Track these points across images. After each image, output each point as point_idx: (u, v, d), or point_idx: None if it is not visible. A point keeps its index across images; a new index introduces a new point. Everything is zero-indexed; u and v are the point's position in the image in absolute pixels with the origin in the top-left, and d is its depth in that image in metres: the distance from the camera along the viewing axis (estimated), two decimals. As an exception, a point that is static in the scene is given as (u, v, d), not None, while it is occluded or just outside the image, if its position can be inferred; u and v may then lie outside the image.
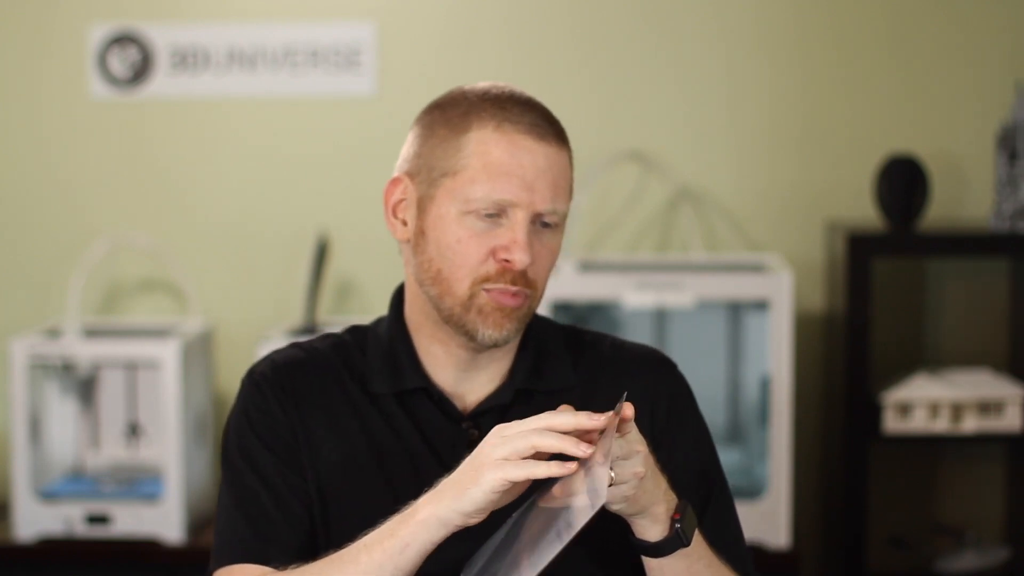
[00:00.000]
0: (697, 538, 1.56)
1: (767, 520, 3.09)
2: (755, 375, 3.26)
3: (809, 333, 3.44)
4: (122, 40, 3.51)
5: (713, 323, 3.32)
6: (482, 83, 1.70)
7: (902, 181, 3.22)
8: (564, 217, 1.65)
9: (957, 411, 3.18)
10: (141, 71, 3.51)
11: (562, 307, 3.17)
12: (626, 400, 1.46)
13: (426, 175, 1.65)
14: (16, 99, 3.54)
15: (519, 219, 1.61)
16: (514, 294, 1.62)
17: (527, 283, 1.62)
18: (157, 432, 3.33)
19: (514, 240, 1.60)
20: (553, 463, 1.41)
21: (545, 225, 1.63)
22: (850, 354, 3.14)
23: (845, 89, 3.46)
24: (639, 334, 3.27)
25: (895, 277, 3.44)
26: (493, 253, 1.61)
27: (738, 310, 3.31)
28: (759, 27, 3.45)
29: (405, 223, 1.68)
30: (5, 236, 3.56)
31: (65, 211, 3.55)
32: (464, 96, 1.67)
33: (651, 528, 1.51)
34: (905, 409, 3.18)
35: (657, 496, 1.50)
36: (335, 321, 3.37)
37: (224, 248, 3.54)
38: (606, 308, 3.27)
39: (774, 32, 3.45)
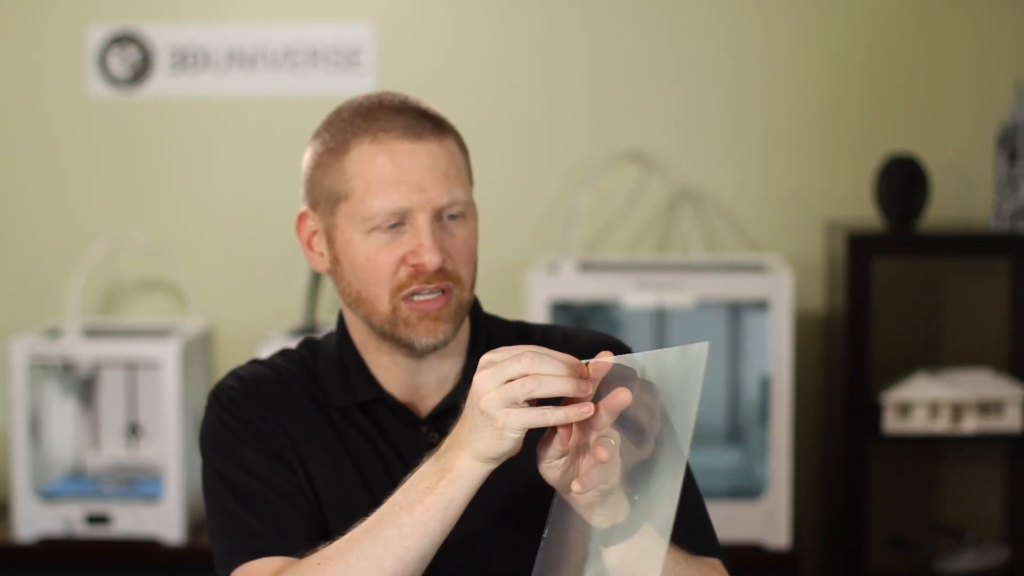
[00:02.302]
0: None
1: (767, 520, 3.09)
2: (755, 375, 3.26)
3: (809, 333, 3.44)
4: (122, 40, 3.51)
5: (713, 323, 3.32)
6: (359, 96, 1.69)
7: (902, 181, 3.23)
8: (469, 204, 1.66)
9: (957, 411, 3.18)
10: (141, 71, 3.51)
11: (562, 307, 3.17)
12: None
13: (324, 205, 1.66)
14: (16, 99, 3.54)
15: (420, 222, 1.61)
16: (435, 297, 1.62)
17: (447, 278, 1.63)
18: (157, 432, 3.33)
19: (419, 244, 1.61)
20: (571, 409, 1.39)
21: (452, 217, 1.64)
22: (850, 354, 3.14)
23: (845, 89, 3.46)
24: (639, 334, 3.27)
25: (895, 277, 3.44)
26: (403, 260, 1.62)
27: (738, 310, 3.31)
28: (759, 27, 3.45)
29: (322, 254, 1.70)
30: (5, 236, 3.56)
31: (65, 211, 3.55)
32: (339, 117, 1.67)
33: (610, 516, 1.51)
34: (905, 409, 3.18)
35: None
36: (335, 321, 3.37)
37: (224, 248, 3.54)
38: (606, 308, 3.27)
39: (774, 32, 3.45)
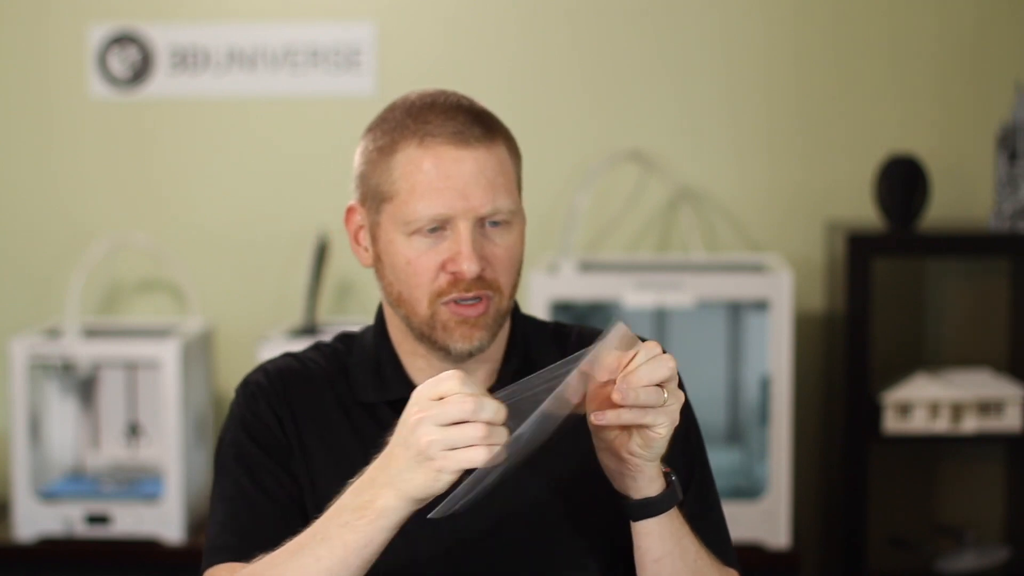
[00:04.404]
0: (678, 510, 1.57)
1: (767, 520, 3.09)
2: (755, 375, 3.26)
3: (809, 333, 3.44)
4: (122, 40, 3.51)
5: (713, 323, 3.32)
6: (413, 93, 1.68)
7: (902, 181, 3.23)
8: (514, 212, 1.65)
9: (957, 411, 3.18)
10: (141, 71, 3.51)
11: (562, 307, 3.17)
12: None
13: (371, 202, 1.66)
14: (16, 99, 3.54)
15: (460, 229, 1.60)
16: (473, 304, 1.62)
17: (486, 286, 1.62)
18: (157, 432, 3.33)
19: (458, 251, 1.60)
20: (494, 446, 1.39)
21: (495, 224, 1.63)
22: (850, 354, 3.14)
23: (845, 89, 3.46)
24: (639, 334, 3.27)
25: (895, 277, 3.44)
26: (443, 266, 1.62)
27: (738, 310, 3.31)
28: (759, 27, 3.45)
29: (367, 250, 1.70)
30: (5, 236, 3.56)
31: (65, 211, 3.55)
32: (392, 114, 1.66)
33: (652, 483, 1.52)
34: (905, 409, 3.18)
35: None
36: (335, 321, 3.37)
37: (224, 248, 3.54)
38: (606, 308, 3.27)
39: (774, 32, 3.45)
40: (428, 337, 1.64)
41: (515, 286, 1.67)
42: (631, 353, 1.47)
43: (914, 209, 3.22)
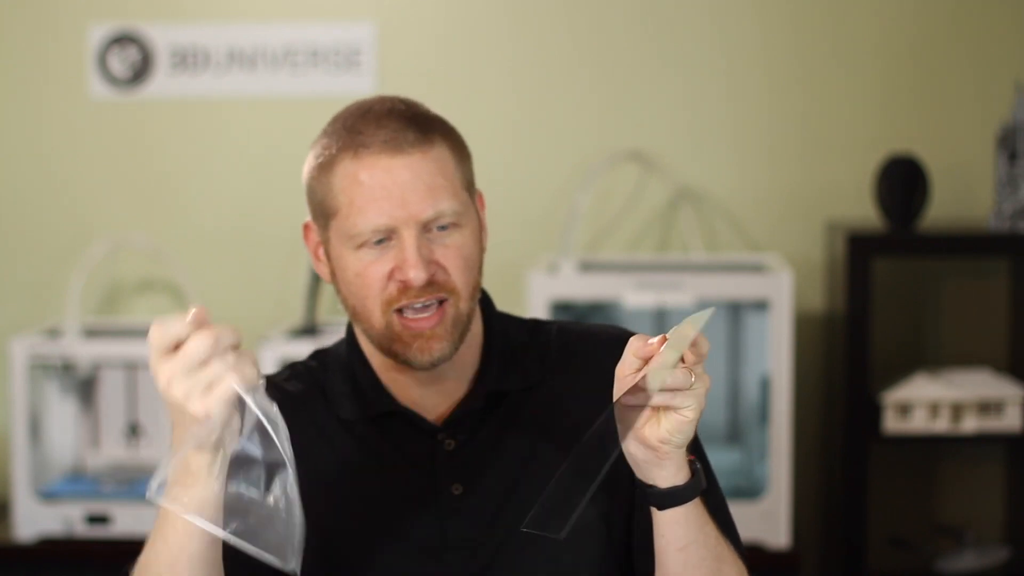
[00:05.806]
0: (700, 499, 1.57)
1: (767, 520, 3.09)
2: (755, 375, 3.26)
3: (809, 333, 3.44)
4: (122, 40, 3.51)
5: (713, 323, 3.32)
6: (353, 103, 1.65)
7: (902, 181, 3.22)
8: (461, 213, 1.61)
9: (957, 411, 3.18)
10: (141, 71, 3.51)
11: (562, 307, 3.17)
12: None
13: (320, 219, 1.65)
14: (16, 99, 3.54)
15: (404, 237, 1.58)
16: (428, 316, 1.60)
17: (438, 289, 1.60)
18: (157, 432, 3.33)
19: (404, 259, 1.58)
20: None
21: (442, 228, 1.60)
22: (850, 354, 3.14)
23: (845, 89, 3.46)
24: (640, 333, 3.27)
25: (895, 277, 3.44)
26: (391, 275, 1.60)
27: (738, 310, 3.31)
28: (759, 27, 3.46)
29: (327, 265, 1.69)
30: (5, 236, 3.56)
31: (65, 211, 3.55)
32: (332, 127, 1.64)
33: (680, 471, 1.51)
34: (905, 409, 3.18)
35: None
36: (335, 321, 3.37)
37: (224, 248, 3.54)
38: (606, 308, 3.27)
39: (774, 32, 3.45)
40: (388, 350, 1.62)
41: (475, 286, 1.64)
42: (660, 340, 1.48)
43: (914, 209, 3.22)
